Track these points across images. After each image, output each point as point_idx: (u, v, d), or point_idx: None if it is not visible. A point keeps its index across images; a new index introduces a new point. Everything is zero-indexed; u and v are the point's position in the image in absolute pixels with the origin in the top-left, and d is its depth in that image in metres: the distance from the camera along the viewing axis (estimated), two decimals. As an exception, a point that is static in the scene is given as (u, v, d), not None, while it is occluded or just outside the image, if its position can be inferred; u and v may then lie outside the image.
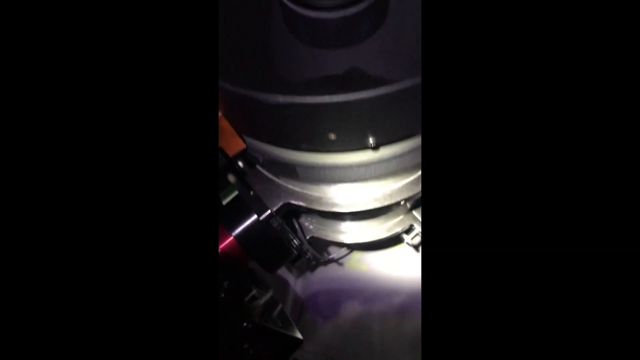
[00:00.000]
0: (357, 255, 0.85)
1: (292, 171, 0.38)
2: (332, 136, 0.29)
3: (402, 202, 0.39)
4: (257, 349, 0.41)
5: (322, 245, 0.57)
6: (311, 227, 0.51)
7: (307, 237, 0.51)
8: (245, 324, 0.38)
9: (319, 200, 0.40)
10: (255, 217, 0.43)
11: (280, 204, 0.41)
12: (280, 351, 0.44)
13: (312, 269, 0.55)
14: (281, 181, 0.42)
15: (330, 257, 0.64)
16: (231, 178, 0.41)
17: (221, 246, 0.45)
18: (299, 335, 0.45)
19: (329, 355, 0.82)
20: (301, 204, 0.41)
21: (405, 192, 0.39)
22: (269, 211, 0.41)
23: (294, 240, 0.47)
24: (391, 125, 0.30)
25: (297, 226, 0.50)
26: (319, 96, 0.26)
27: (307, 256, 0.51)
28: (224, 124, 0.36)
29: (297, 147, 0.34)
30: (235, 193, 0.43)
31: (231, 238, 0.45)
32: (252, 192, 0.42)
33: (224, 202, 0.44)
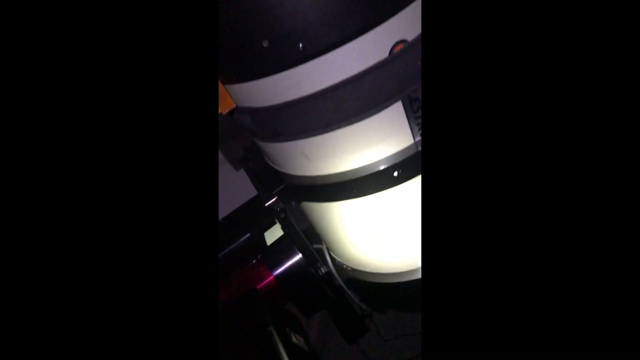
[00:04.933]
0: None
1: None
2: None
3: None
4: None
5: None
6: (349, 268, 0.50)
7: (344, 279, 0.50)
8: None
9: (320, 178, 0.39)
10: (298, 257, 0.42)
11: (282, 186, 0.41)
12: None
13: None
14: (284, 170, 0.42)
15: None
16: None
17: (259, 285, 0.44)
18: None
19: None
20: (302, 182, 0.40)
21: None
22: (275, 198, 0.41)
23: (321, 269, 0.45)
24: None
25: (331, 267, 0.49)
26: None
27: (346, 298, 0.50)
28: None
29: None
30: (281, 234, 0.42)
31: (271, 277, 0.44)
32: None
33: (269, 243, 0.43)
